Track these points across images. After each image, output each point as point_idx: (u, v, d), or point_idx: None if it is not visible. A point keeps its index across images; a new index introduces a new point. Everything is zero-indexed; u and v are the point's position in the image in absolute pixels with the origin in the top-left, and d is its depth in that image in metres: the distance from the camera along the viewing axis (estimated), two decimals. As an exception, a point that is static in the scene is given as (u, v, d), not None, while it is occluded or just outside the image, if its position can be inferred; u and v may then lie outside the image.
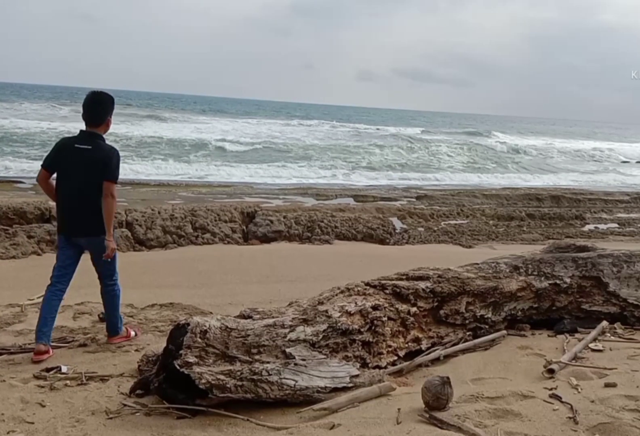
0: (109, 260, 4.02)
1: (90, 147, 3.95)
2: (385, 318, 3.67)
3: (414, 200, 16.11)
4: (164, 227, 9.66)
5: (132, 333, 4.33)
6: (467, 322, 4.19)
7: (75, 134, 4.09)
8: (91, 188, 3.95)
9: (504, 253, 5.54)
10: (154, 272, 6.93)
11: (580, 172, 27.41)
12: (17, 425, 2.79)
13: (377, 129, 42.45)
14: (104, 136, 4.09)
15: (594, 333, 4.09)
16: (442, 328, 4.11)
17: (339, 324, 3.37)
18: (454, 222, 13.33)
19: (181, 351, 2.85)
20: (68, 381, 3.35)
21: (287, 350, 3.09)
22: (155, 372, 3.06)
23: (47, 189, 4.11)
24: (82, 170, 3.94)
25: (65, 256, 4.06)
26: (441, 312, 4.09)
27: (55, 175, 4.04)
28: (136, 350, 4.02)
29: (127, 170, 16.84)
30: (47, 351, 3.85)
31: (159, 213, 10.06)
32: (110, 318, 4.21)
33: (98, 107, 4.07)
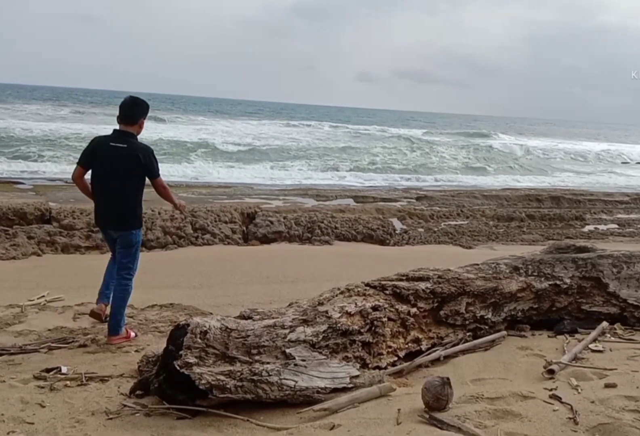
0: (132, 252, 4.23)
1: (125, 146, 4.08)
2: (385, 319, 3.67)
3: (414, 200, 16.12)
4: (164, 228, 9.67)
5: (132, 334, 4.34)
6: (467, 322, 4.19)
7: (109, 134, 4.20)
8: (124, 186, 4.12)
9: (504, 254, 5.54)
10: (154, 272, 6.92)
11: (580, 172, 27.44)
12: (17, 425, 2.79)
13: (378, 130, 42.46)
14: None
15: (594, 333, 4.09)
16: (442, 328, 4.10)
17: (339, 325, 3.36)
18: (454, 222, 13.34)
19: (181, 352, 2.85)
20: (68, 382, 3.35)
21: (287, 350, 3.09)
22: (155, 373, 3.06)
23: (83, 186, 4.26)
24: (116, 168, 4.06)
25: (112, 245, 4.40)
26: (441, 312, 4.09)
27: (90, 172, 4.19)
28: (136, 351, 4.02)
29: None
30: (103, 311, 4.24)
31: (159, 213, 10.05)
32: (115, 314, 4.22)
33: (135, 106, 4.23)
